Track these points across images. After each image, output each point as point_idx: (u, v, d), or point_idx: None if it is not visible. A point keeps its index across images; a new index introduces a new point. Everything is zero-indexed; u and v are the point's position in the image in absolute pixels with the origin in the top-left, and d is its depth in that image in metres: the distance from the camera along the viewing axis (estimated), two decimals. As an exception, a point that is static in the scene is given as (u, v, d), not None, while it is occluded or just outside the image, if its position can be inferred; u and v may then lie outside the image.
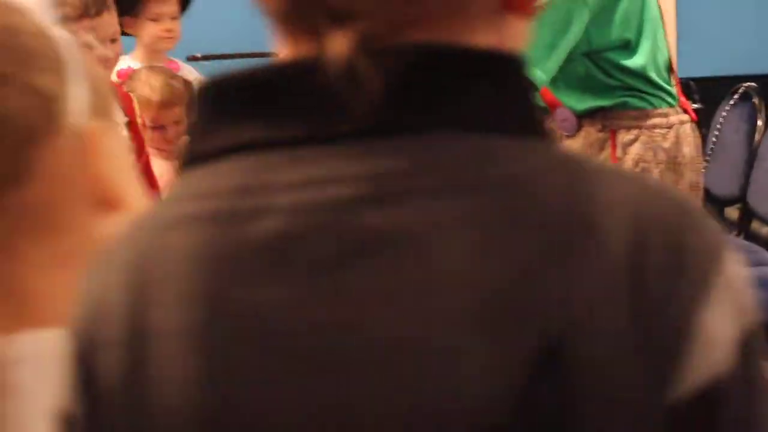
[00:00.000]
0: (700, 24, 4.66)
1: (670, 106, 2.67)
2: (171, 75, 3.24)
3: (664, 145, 2.64)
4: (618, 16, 2.60)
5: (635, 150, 2.64)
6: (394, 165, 0.57)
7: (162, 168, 2.97)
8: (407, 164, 0.57)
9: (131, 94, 3.16)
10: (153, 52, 3.83)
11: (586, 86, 2.65)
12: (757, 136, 3.82)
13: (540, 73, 2.47)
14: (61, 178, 0.80)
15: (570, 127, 2.73)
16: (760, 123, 3.85)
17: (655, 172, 2.62)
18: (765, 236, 3.89)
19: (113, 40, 3.02)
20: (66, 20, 3.20)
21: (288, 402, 0.56)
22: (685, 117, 2.70)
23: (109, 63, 2.91)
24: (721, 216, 3.90)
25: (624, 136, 2.65)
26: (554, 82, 2.56)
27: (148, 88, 3.21)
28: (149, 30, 3.79)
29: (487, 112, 0.59)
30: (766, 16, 4.76)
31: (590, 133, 2.70)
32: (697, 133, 2.74)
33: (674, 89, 2.71)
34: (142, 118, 3.03)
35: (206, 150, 0.61)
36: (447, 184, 0.57)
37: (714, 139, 3.94)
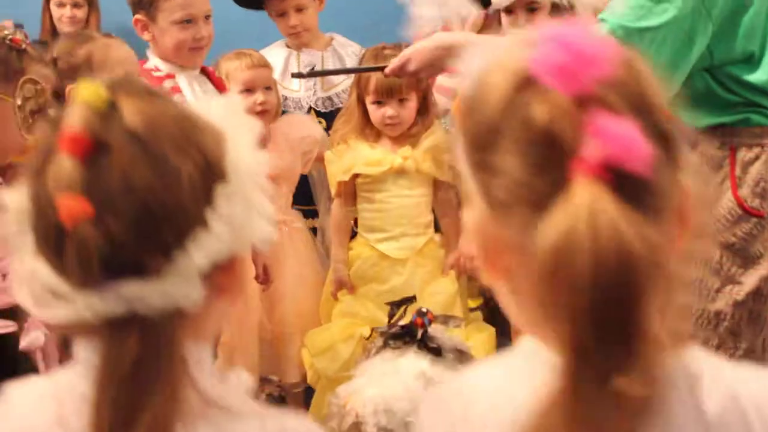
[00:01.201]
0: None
1: (795, 123, 2.51)
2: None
3: (787, 164, 2.47)
4: (742, 28, 2.44)
5: (756, 169, 2.47)
6: None
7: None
8: None
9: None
10: (295, 46, 3.77)
11: (706, 102, 2.49)
12: None
13: None
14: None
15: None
16: None
17: (776, 193, 2.46)
18: None
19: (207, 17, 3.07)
20: None
21: None
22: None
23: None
24: None
25: (745, 154, 2.48)
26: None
27: (234, 56, 3.32)
28: (279, 27, 3.73)
29: None
30: None
31: (707, 150, 2.54)
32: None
33: (799, 106, 2.55)
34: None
35: None
36: None
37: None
